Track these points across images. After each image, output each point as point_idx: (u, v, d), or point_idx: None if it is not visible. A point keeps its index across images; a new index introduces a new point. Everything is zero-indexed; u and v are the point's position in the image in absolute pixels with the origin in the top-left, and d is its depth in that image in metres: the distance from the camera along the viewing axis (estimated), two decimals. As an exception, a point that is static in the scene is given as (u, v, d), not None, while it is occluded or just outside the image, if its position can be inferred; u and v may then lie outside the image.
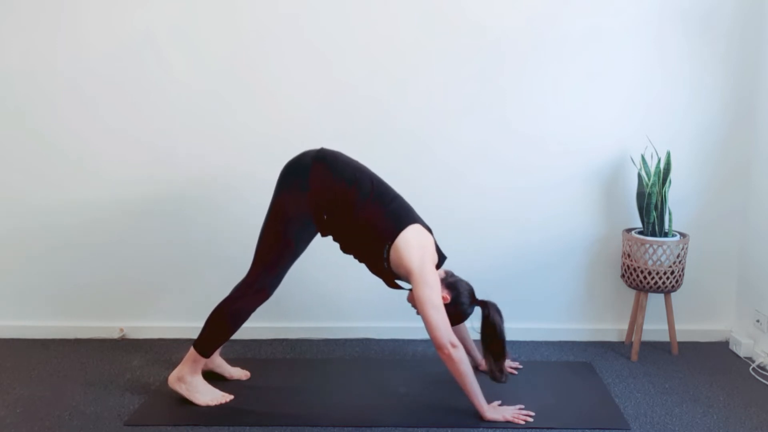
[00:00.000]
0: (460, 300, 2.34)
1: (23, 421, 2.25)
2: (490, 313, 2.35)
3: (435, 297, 2.20)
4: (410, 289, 2.37)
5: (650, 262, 2.68)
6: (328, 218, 2.29)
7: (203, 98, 2.85)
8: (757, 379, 2.60)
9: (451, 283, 2.36)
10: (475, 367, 2.61)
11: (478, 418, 2.24)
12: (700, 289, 2.98)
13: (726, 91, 2.83)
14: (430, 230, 2.37)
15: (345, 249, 2.38)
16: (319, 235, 2.36)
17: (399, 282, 2.41)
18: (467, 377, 2.21)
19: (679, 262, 2.71)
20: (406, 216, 2.31)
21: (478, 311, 2.40)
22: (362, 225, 2.27)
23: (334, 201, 2.26)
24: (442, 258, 2.39)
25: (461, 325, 2.49)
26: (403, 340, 2.98)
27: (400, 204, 2.35)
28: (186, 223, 2.95)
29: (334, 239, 2.37)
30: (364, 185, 2.29)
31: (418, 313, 2.39)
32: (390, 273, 2.31)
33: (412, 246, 2.24)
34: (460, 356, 2.18)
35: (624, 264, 2.80)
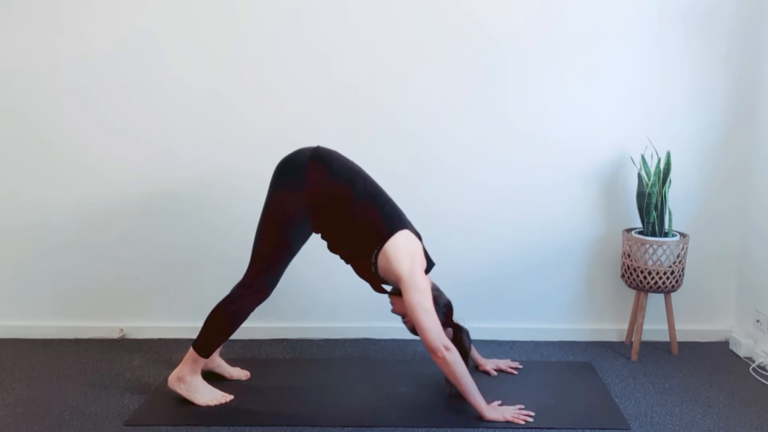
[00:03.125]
0: None
1: (23, 421, 2.25)
2: (462, 338, 2.37)
3: (426, 302, 2.19)
4: (391, 293, 2.36)
5: (650, 262, 2.68)
6: (322, 216, 2.28)
7: (203, 98, 2.85)
8: (757, 379, 2.60)
9: (433, 296, 2.30)
10: (476, 367, 2.62)
11: (477, 418, 2.24)
12: (700, 289, 2.98)
13: (726, 91, 2.83)
14: (419, 236, 2.36)
15: (333, 248, 2.37)
16: (314, 234, 2.36)
17: (385, 286, 2.40)
18: (464, 378, 2.20)
19: (679, 262, 2.71)
20: (397, 221, 2.30)
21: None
22: (353, 226, 2.27)
23: (330, 200, 2.26)
24: (430, 264, 2.37)
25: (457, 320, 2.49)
26: (403, 340, 2.98)
27: (392, 208, 2.33)
28: (186, 223, 2.95)
29: (323, 237, 2.36)
30: (358, 186, 2.28)
31: (404, 321, 2.41)
32: (377, 277, 2.30)
33: (401, 252, 2.23)
34: (453, 358, 2.17)
35: (624, 264, 2.80)
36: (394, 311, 2.41)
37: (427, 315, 2.17)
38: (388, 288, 2.41)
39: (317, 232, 2.35)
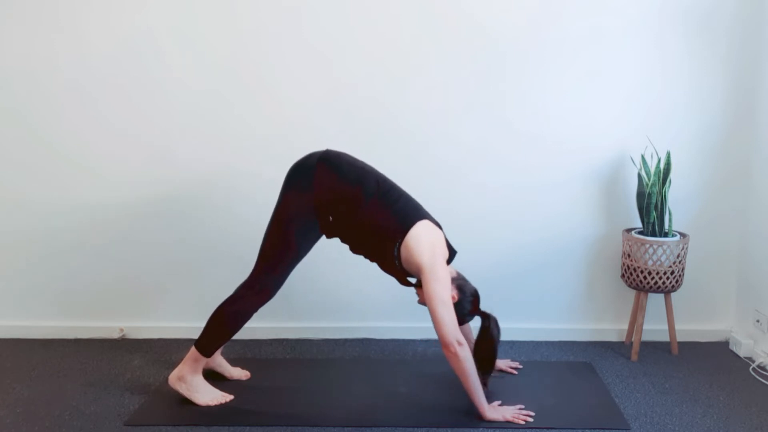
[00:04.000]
0: (462, 304, 2.33)
1: (23, 421, 2.25)
2: (490, 326, 2.36)
3: (444, 293, 2.20)
4: (416, 285, 2.36)
5: (650, 262, 2.68)
6: (333, 220, 2.28)
7: (204, 98, 2.85)
8: (757, 379, 2.60)
9: (459, 284, 2.35)
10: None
11: (478, 417, 2.24)
12: (700, 289, 2.98)
13: (726, 91, 2.83)
14: (439, 226, 2.36)
15: (354, 249, 2.37)
16: (323, 236, 2.36)
17: (410, 279, 2.40)
18: (470, 376, 2.20)
19: (679, 262, 2.71)
20: (414, 213, 2.30)
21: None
22: (369, 225, 2.27)
23: (338, 202, 2.26)
24: (452, 253, 2.38)
25: (466, 325, 2.48)
26: (403, 340, 2.98)
27: (407, 201, 2.34)
28: (186, 223, 2.95)
29: (342, 241, 2.36)
30: (369, 185, 2.28)
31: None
32: (402, 271, 2.30)
33: (422, 242, 2.23)
34: (465, 355, 2.18)
35: (624, 264, 2.80)
36: (420, 302, 2.39)
37: (443, 307, 2.17)
38: (414, 280, 2.41)
39: (331, 237, 2.35)
